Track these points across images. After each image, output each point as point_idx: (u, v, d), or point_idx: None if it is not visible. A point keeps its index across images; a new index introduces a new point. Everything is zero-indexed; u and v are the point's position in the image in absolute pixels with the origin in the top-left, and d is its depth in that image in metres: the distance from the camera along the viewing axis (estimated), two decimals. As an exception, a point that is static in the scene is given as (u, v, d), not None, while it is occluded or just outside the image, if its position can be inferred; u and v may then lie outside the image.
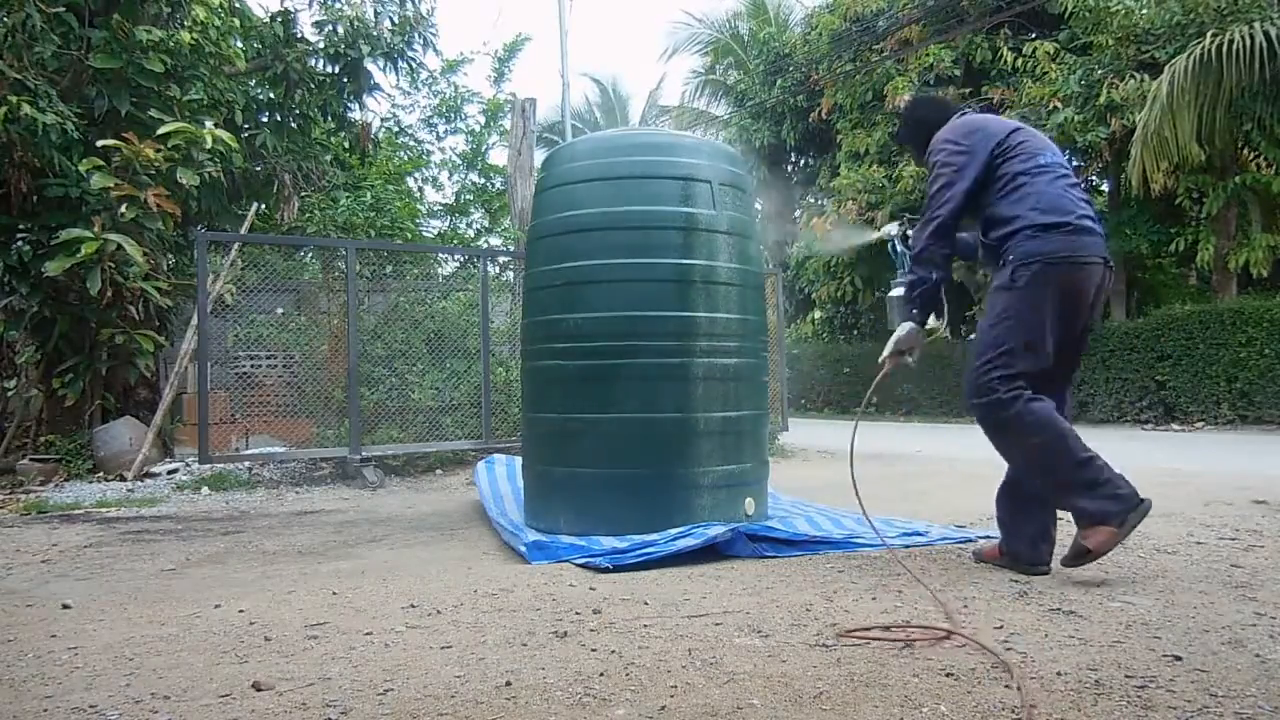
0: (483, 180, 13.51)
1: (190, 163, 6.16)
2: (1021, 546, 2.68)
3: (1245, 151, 10.57)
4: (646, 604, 2.42)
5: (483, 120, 13.30)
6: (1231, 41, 8.96)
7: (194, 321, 6.08)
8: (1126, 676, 1.75)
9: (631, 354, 3.27)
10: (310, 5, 8.31)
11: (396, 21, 8.38)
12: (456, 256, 9.38)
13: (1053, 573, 2.68)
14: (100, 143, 5.89)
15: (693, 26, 20.10)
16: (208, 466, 5.72)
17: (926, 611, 2.27)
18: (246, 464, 5.93)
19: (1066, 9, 11.28)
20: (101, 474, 6.08)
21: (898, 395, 14.19)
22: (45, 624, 2.38)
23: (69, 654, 2.07)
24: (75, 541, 3.91)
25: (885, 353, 2.80)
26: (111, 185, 5.77)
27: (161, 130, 6.00)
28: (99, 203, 5.96)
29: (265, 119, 8.31)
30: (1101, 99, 10.51)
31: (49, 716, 1.67)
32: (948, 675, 1.78)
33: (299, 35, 7.99)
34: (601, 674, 1.83)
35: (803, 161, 17.72)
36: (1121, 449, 7.42)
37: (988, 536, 3.30)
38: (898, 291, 2.95)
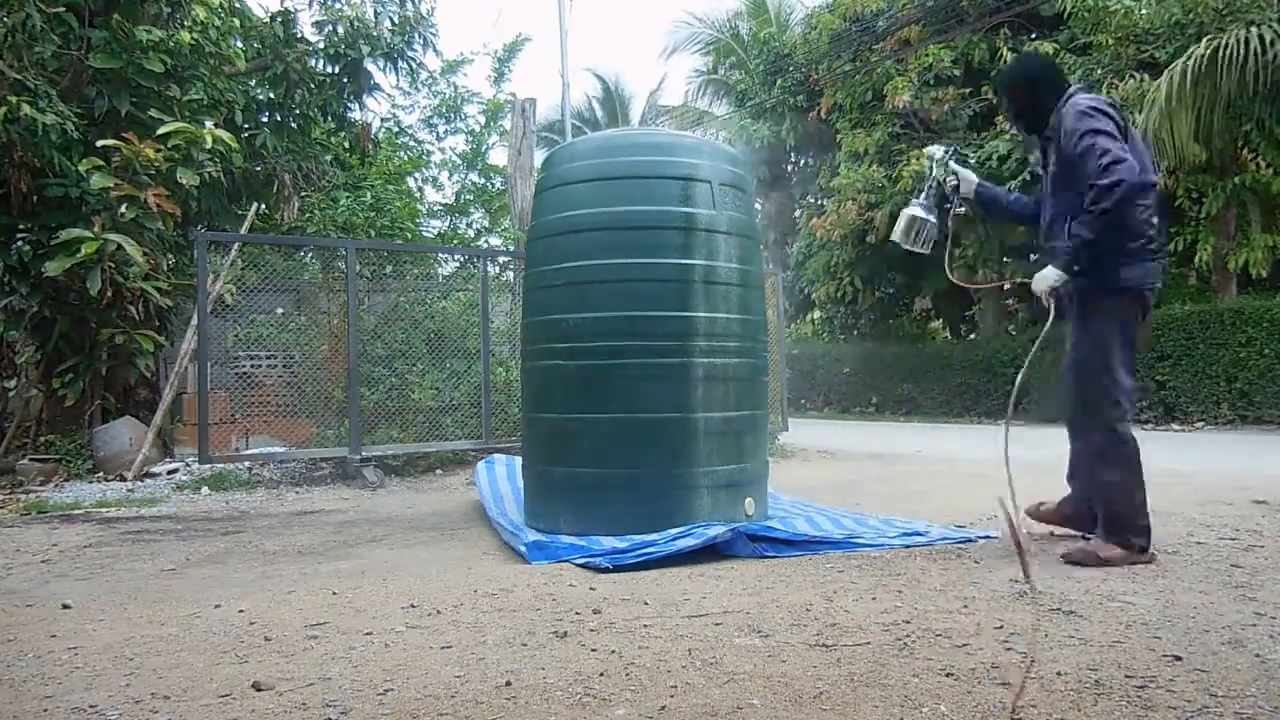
0: (483, 180, 13.51)
1: (190, 163, 6.16)
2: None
3: (1245, 152, 10.57)
4: (646, 604, 2.42)
5: (483, 120, 13.30)
6: (1228, 45, 8.96)
7: (194, 321, 6.07)
8: (1126, 676, 1.75)
9: (631, 354, 3.27)
10: (310, 5, 8.31)
11: (396, 22, 8.38)
12: (456, 256, 9.38)
13: (1053, 572, 2.68)
14: (100, 143, 5.89)
15: (693, 26, 20.10)
16: (208, 466, 5.72)
17: (927, 612, 2.27)
18: (246, 464, 5.93)
19: (1065, 9, 11.27)
20: (101, 474, 6.08)
21: (898, 395, 14.19)
22: (45, 624, 2.38)
23: (69, 654, 2.07)
24: (75, 541, 3.90)
25: (1043, 287, 2.85)
26: (111, 185, 5.77)
27: (161, 130, 6.00)
28: (99, 203, 5.96)
29: (265, 119, 8.31)
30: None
31: (49, 716, 1.67)
32: (948, 675, 1.78)
33: (299, 35, 7.99)
34: (601, 674, 1.83)
35: (803, 161, 17.72)
36: (1121, 449, 7.41)
37: (988, 536, 3.30)
38: (910, 210, 3.22)
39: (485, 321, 6.46)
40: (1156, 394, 10.55)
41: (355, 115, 9.01)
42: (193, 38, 6.71)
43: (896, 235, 3.29)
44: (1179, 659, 1.85)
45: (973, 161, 11.91)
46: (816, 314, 17.28)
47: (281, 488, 5.73)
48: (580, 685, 1.77)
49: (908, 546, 3.15)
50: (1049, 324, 2.86)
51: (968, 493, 4.54)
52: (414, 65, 8.83)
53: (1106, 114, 2.77)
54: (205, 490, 5.58)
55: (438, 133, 13.57)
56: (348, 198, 8.45)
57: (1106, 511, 2.84)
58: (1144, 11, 10.68)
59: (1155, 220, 2.80)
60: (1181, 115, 9.22)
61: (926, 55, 12.90)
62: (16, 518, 4.70)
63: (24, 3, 5.81)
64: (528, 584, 2.71)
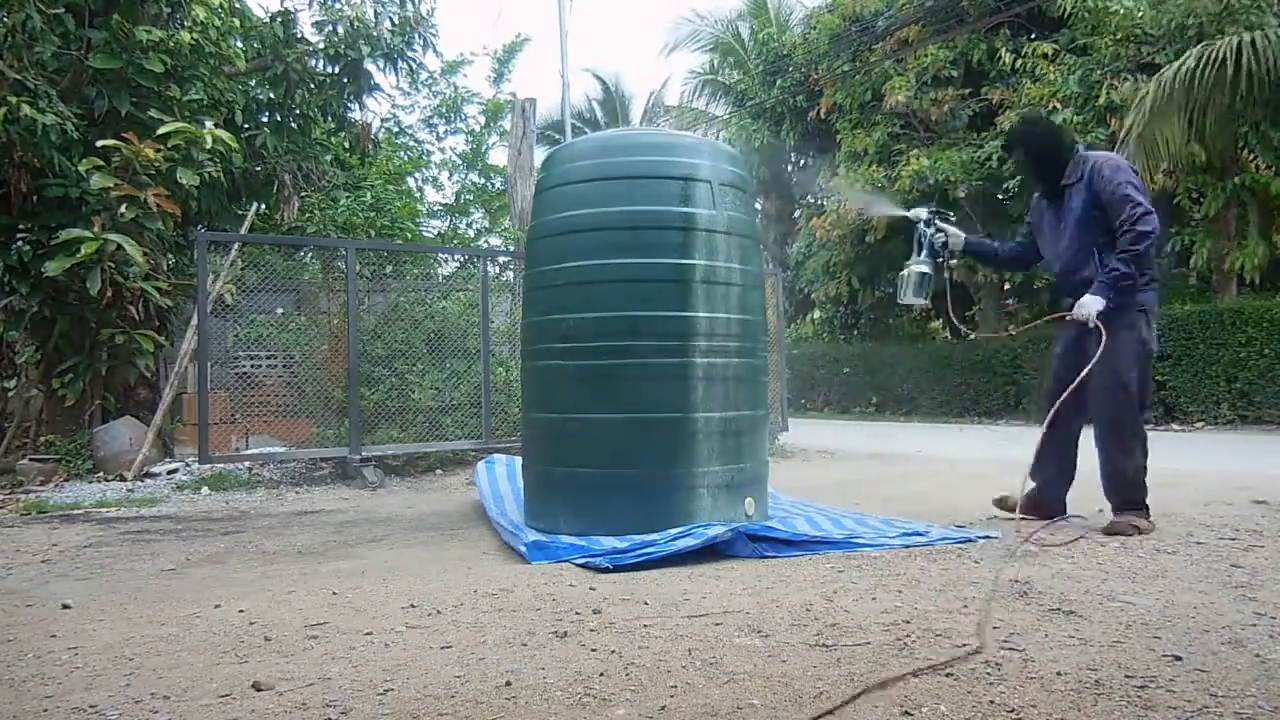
0: (483, 180, 13.51)
1: (190, 163, 6.16)
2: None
3: (1244, 153, 10.56)
4: (646, 604, 2.42)
5: (482, 120, 13.31)
6: (1228, 46, 8.95)
7: (194, 321, 6.07)
8: (1126, 676, 1.75)
9: (631, 354, 3.27)
10: (310, 5, 8.31)
11: (396, 22, 8.38)
12: (456, 256, 9.39)
13: (1053, 572, 2.69)
14: (100, 143, 5.89)
15: (694, 23, 20.11)
16: (208, 466, 5.72)
17: (927, 612, 2.27)
18: (246, 464, 5.93)
19: (1065, 10, 11.27)
20: (101, 474, 6.08)
21: (898, 395, 14.20)
22: (45, 624, 2.38)
23: (69, 654, 2.07)
24: (75, 541, 3.91)
25: (1090, 312, 3.30)
26: (111, 185, 5.77)
27: (161, 130, 6.00)
28: (99, 203, 5.96)
29: (265, 119, 8.31)
30: (1101, 100, 10.51)
31: (49, 716, 1.67)
32: (948, 675, 1.78)
33: (299, 35, 7.99)
34: (601, 674, 1.83)
35: (803, 162, 17.72)
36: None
37: (988, 536, 3.31)
38: (917, 268, 3.69)
39: (485, 321, 6.46)
40: (1156, 394, 10.55)
41: (355, 115, 9.02)
42: (193, 38, 6.71)
43: (908, 294, 3.72)
44: (1179, 659, 1.85)
45: (964, 159, 11.95)
46: (816, 314, 17.30)
47: (281, 488, 5.73)
48: (580, 685, 1.77)
49: (908, 546, 3.15)
50: (1103, 341, 3.27)
51: (968, 493, 4.54)
52: (414, 65, 8.82)
53: (1134, 170, 3.42)
54: (205, 490, 5.58)
55: (438, 133, 13.58)
56: (348, 198, 8.45)
57: (1126, 487, 3.35)
58: (1142, 14, 10.68)
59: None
60: (1172, 120, 9.22)
61: (925, 55, 12.89)
62: (16, 518, 4.70)
63: (24, 3, 5.81)
64: (528, 584, 2.71)
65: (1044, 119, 4.19)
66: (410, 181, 13.34)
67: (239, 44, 8.14)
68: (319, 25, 8.08)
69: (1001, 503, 3.74)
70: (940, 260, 3.73)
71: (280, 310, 6.89)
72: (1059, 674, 1.77)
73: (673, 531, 3.09)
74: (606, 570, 2.85)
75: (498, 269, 8.36)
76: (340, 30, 7.97)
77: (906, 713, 1.60)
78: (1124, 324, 3.30)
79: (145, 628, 2.30)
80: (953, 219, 3.86)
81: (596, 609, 2.36)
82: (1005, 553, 2.99)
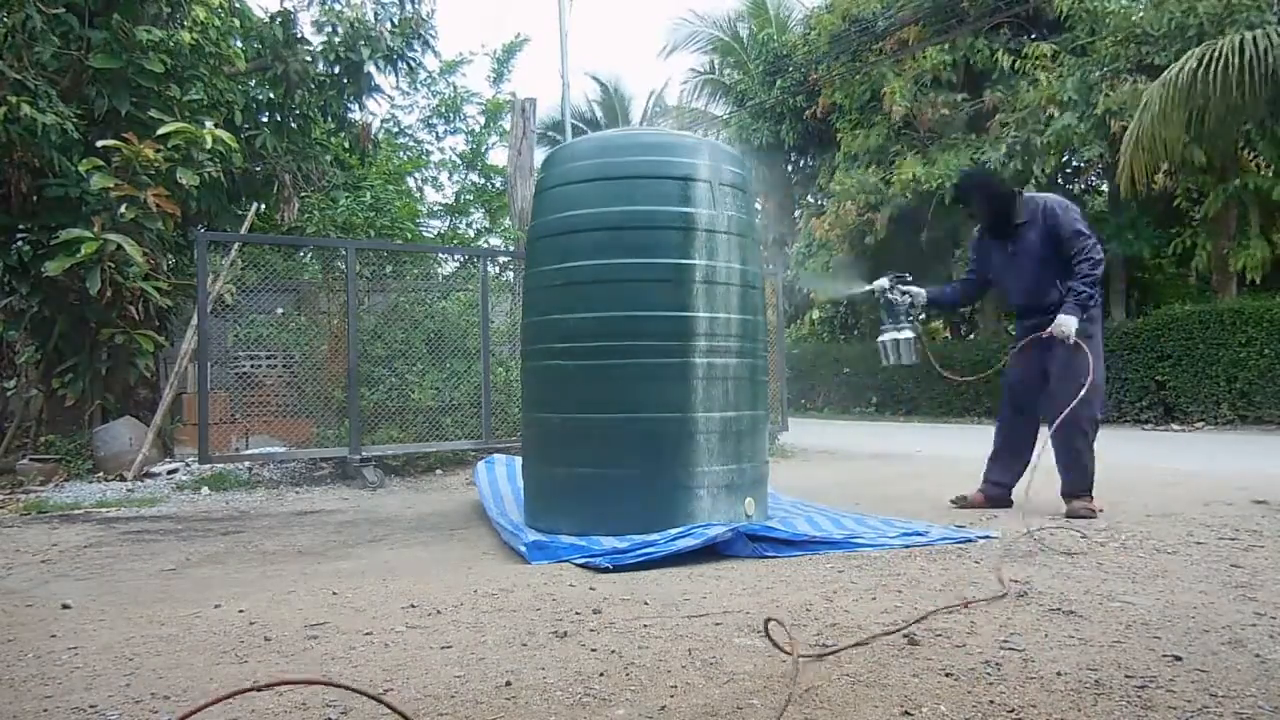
0: (483, 180, 13.52)
1: (190, 163, 6.16)
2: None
3: (1245, 153, 10.57)
4: (646, 604, 2.42)
5: (482, 121, 13.31)
6: (1229, 46, 8.95)
7: (194, 321, 6.08)
8: (1126, 676, 1.75)
9: (631, 354, 3.27)
10: (310, 6, 8.32)
11: (396, 23, 8.39)
12: (456, 256, 9.39)
13: (1053, 572, 2.69)
14: (100, 143, 5.89)
15: (694, 24, 20.09)
16: (208, 466, 5.72)
17: (927, 612, 2.27)
18: (246, 464, 5.93)
19: (1063, 12, 11.27)
20: (101, 474, 6.08)
21: (898, 395, 14.20)
22: (45, 624, 2.38)
23: (69, 654, 2.07)
24: (75, 541, 3.90)
25: (1069, 330, 3.74)
26: (111, 185, 5.77)
27: (161, 130, 6.00)
28: (99, 203, 5.96)
29: (265, 119, 8.31)
30: (1099, 106, 10.49)
31: (49, 716, 1.67)
32: (947, 675, 1.78)
33: (299, 36, 8.00)
34: (601, 674, 1.83)
35: (802, 162, 17.72)
36: (1121, 449, 7.41)
37: (987, 536, 3.31)
38: (889, 336, 4.13)
39: (485, 321, 6.46)
40: (1156, 394, 10.56)
41: (355, 116, 9.02)
42: (193, 38, 6.71)
43: (902, 357, 4.11)
44: (1179, 659, 1.85)
45: (963, 162, 11.95)
46: (816, 314, 17.29)
47: (281, 488, 5.73)
48: (580, 685, 1.77)
49: (908, 546, 3.15)
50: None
51: (967, 492, 4.53)
52: (413, 66, 8.83)
53: (1079, 210, 3.96)
54: (205, 490, 5.58)
55: (437, 133, 13.58)
56: (347, 198, 8.45)
57: (1085, 475, 3.81)
58: (1141, 14, 10.68)
59: None
60: (1174, 121, 9.22)
61: (925, 58, 12.89)
62: (16, 518, 4.70)
63: (24, 3, 5.81)
64: (528, 584, 2.71)
65: (988, 172, 4.90)
66: (410, 181, 13.35)
67: (239, 44, 8.15)
68: (319, 26, 8.09)
69: (960, 501, 4.16)
70: (913, 319, 4.19)
71: (280, 310, 6.89)
72: (1059, 674, 1.77)
73: (673, 531, 3.09)
74: (606, 570, 2.85)
75: (498, 269, 8.36)
76: (340, 31, 7.97)
77: (906, 713, 1.60)
78: (1085, 336, 3.79)
79: (145, 628, 2.30)
80: (909, 279, 4.22)
81: (596, 609, 2.36)
82: (1005, 552, 2.99)
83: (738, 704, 1.65)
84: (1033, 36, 12.73)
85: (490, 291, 6.77)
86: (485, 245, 11.82)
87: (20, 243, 6.35)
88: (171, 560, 3.43)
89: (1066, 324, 3.74)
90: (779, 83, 15.79)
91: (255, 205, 7.72)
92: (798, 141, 16.26)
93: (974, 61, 12.78)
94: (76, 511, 4.88)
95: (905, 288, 4.16)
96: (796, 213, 17.99)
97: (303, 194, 8.23)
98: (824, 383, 15.78)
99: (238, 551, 3.61)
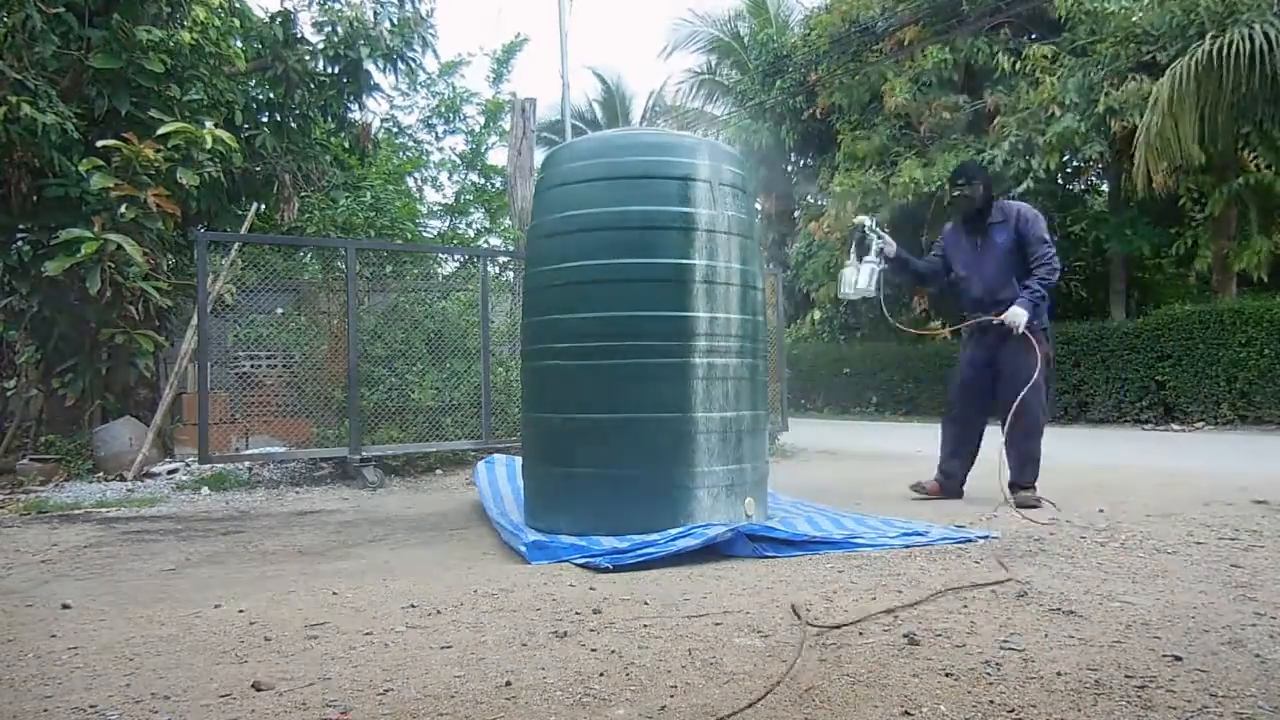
0: (483, 180, 13.51)
1: (190, 163, 6.16)
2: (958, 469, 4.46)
3: (1245, 153, 10.56)
4: (646, 604, 2.42)
5: (482, 121, 13.30)
6: (1231, 43, 8.96)
7: (194, 321, 6.07)
8: (1126, 676, 1.75)
9: (631, 354, 3.27)
10: (310, 6, 8.32)
11: (396, 23, 8.38)
12: (456, 256, 9.38)
13: (1053, 572, 2.69)
14: (100, 143, 5.89)
15: (693, 24, 20.08)
16: (208, 466, 5.72)
17: (927, 611, 2.27)
18: (246, 464, 5.93)
19: (1063, 14, 11.26)
20: (101, 474, 6.08)
21: (898, 395, 14.19)
22: (45, 624, 2.38)
23: (69, 654, 2.07)
24: (75, 541, 3.90)
25: (1021, 321, 4.06)
26: (111, 185, 5.77)
27: (161, 130, 6.00)
28: (99, 203, 5.96)
29: (265, 119, 8.31)
30: (1101, 105, 10.49)
31: (49, 716, 1.67)
32: (947, 675, 1.78)
33: (299, 36, 8.00)
34: (601, 674, 1.83)
35: (802, 162, 17.72)
36: (1121, 449, 7.42)
37: (987, 536, 3.31)
38: (851, 266, 4.37)
39: (485, 321, 6.46)
40: (1157, 394, 10.56)
41: (355, 115, 9.02)
42: (193, 38, 6.71)
43: (858, 285, 4.33)
44: (1179, 659, 1.85)
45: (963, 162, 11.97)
46: (816, 314, 17.28)
47: (281, 488, 5.73)
48: (580, 685, 1.77)
49: (908, 546, 3.15)
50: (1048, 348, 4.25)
51: (967, 492, 4.54)
52: (413, 66, 8.83)
53: (1045, 222, 4.33)
54: (205, 490, 5.58)
55: (437, 133, 13.58)
56: (347, 198, 8.45)
57: (1033, 466, 4.14)
58: (1142, 14, 10.68)
59: None
60: (1185, 115, 9.22)
61: (925, 58, 12.88)
62: (16, 518, 4.70)
63: (24, 3, 5.81)
64: (528, 584, 2.71)
65: (981, 167, 5.03)
66: (410, 181, 13.34)
67: (239, 44, 8.15)
68: (318, 26, 8.09)
69: (918, 487, 4.54)
70: (879, 261, 4.39)
71: (280, 310, 6.89)
72: (1059, 674, 1.77)
73: (673, 531, 3.09)
74: (606, 570, 2.85)
75: (498, 269, 8.36)
76: (340, 30, 7.97)
77: (906, 713, 1.60)
78: (1036, 337, 4.10)
79: (145, 628, 2.30)
80: (886, 229, 4.50)
81: (596, 609, 2.36)
82: (1005, 553, 2.99)
83: (738, 704, 1.65)
84: (1033, 37, 12.72)
85: (490, 291, 6.77)
86: (485, 245, 11.81)
87: (20, 243, 6.35)
88: (171, 560, 3.43)
89: (1018, 315, 4.05)
90: (779, 83, 15.78)
91: (255, 205, 7.72)
92: (798, 142, 16.25)
93: (974, 60, 12.77)
94: (76, 511, 4.88)
95: (883, 234, 4.44)
96: (796, 213, 17.98)
97: (303, 194, 8.23)
98: (824, 383, 15.78)
99: (238, 551, 3.61)
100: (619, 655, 1.96)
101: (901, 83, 12.82)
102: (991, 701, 1.63)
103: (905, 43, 13.36)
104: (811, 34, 15.36)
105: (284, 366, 6.76)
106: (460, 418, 6.51)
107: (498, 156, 13.18)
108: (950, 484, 4.46)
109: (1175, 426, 10.02)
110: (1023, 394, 3.98)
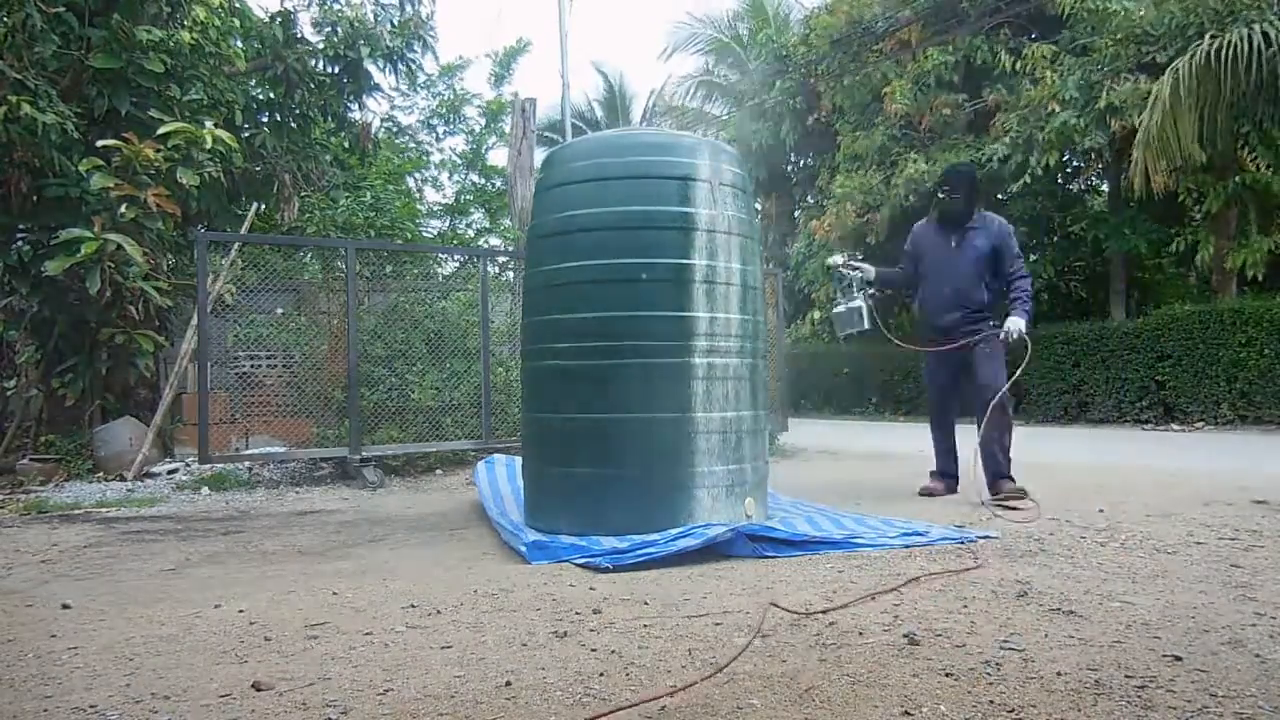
0: (483, 180, 13.53)
1: (190, 163, 6.16)
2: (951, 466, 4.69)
3: (1245, 152, 10.56)
4: (646, 604, 2.42)
5: (482, 121, 13.32)
6: (1231, 43, 8.95)
7: (194, 321, 6.07)
8: (1126, 676, 1.75)
9: (631, 354, 3.27)
10: (310, 6, 8.33)
11: (396, 24, 8.39)
12: (456, 256, 9.39)
13: (1053, 572, 2.69)
14: (100, 143, 5.89)
15: (693, 26, 20.09)
16: (208, 466, 5.72)
17: (927, 611, 2.27)
18: (246, 464, 5.93)
19: (1064, 11, 11.26)
20: (101, 474, 6.08)
21: (898, 395, 14.19)
22: (45, 624, 2.38)
23: (69, 654, 2.07)
24: (75, 541, 3.90)
25: (1020, 328, 4.33)
26: (111, 185, 5.77)
27: (161, 130, 6.00)
28: (99, 203, 5.96)
29: (265, 119, 8.32)
30: (1101, 102, 10.50)
31: (49, 716, 1.67)
32: (947, 675, 1.78)
33: (299, 35, 8.00)
34: (601, 674, 1.83)
35: (802, 162, 17.71)
36: (1121, 449, 7.41)
37: (987, 536, 3.31)
38: (841, 307, 4.61)
39: (485, 321, 6.46)
40: (1157, 394, 10.55)
41: (355, 115, 9.03)
42: (193, 38, 6.71)
43: (853, 325, 4.57)
44: (1179, 659, 1.85)
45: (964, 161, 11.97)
46: (816, 314, 17.29)
47: (281, 488, 5.73)
48: (580, 685, 1.77)
49: (908, 546, 3.15)
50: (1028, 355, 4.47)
51: (967, 492, 4.54)
52: (413, 67, 8.84)
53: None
54: (205, 490, 5.58)
55: (437, 134, 13.60)
56: (347, 198, 8.46)
57: (1005, 460, 4.32)
58: (1142, 14, 10.67)
59: None
60: (1185, 114, 9.21)
61: (926, 59, 12.88)
62: (16, 518, 4.70)
63: (24, 3, 5.81)
64: (528, 584, 2.71)
65: (975, 174, 5.13)
66: (410, 181, 13.36)
67: (239, 44, 8.16)
68: (318, 26, 8.09)
69: (926, 491, 4.68)
70: (864, 292, 4.60)
71: (280, 310, 6.89)
72: (1059, 674, 1.77)
73: (673, 532, 3.09)
74: (606, 570, 2.85)
75: (498, 269, 8.37)
76: (340, 31, 7.98)
77: (906, 713, 1.60)
78: (1005, 343, 4.38)
79: (145, 628, 2.30)
80: (860, 257, 4.66)
81: (596, 609, 2.36)
82: (1005, 553, 2.99)
83: (738, 704, 1.65)
84: (1034, 36, 12.71)
85: (490, 291, 6.78)
86: (485, 245, 11.82)
87: (20, 243, 6.35)
88: (171, 560, 3.43)
89: (1018, 325, 4.35)
90: (779, 84, 15.77)
91: (255, 205, 7.72)
92: (798, 142, 16.25)
93: (975, 60, 12.76)
94: (76, 511, 4.88)
95: (857, 264, 4.66)
96: (796, 213, 17.97)
97: (303, 194, 8.23)
98: (824, 383, 15.77)
99: (238, 551, 3.61)
100: (619, 655, 1.96)
101: (902, 85, 12.81)
102: (991, 701, 1.63)
103: (907, 42, 13.35)
104: (811, 34, 15.35)
105: (284, 366, 6.76)
106: (460, 418, 6.51)
107: (498, 157, 13.22)
108: (950, 482, 4.71)
109: (1175, 426, 10.01)
110: (1000, 393, 4.22)
